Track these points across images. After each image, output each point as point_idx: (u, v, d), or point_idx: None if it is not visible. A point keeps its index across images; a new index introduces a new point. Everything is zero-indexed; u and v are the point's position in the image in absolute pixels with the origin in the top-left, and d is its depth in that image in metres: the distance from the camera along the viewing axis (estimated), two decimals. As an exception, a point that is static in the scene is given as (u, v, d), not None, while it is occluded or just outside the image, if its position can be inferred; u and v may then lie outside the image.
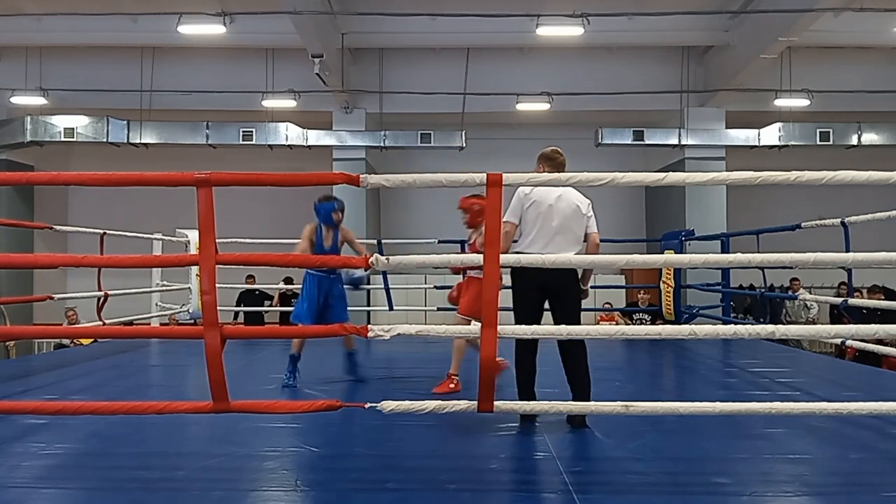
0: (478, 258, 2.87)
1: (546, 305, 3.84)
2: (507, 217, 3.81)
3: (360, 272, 4.89)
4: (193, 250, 7.59)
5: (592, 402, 3.06)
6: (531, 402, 3.39)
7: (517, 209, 3.85)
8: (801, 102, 11.46)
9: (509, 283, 3.85)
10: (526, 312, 3.73)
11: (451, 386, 4.61)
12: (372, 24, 10.63)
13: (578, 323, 3.85)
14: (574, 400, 3.63)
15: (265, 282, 10.85)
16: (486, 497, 2.73)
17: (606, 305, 11.06)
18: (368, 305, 9.88)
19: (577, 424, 3.61)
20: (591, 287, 5.25)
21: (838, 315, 10.22)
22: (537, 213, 3.81)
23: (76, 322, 9.51)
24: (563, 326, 3.44)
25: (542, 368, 4.72)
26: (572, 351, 3.77)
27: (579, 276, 3.94)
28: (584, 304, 5.24)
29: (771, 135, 11.72)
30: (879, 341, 5.73)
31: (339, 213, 4.96)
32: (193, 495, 2.72)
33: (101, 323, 6.63)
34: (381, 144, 11.97)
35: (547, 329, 3.12)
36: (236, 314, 10.58)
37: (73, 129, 11.57)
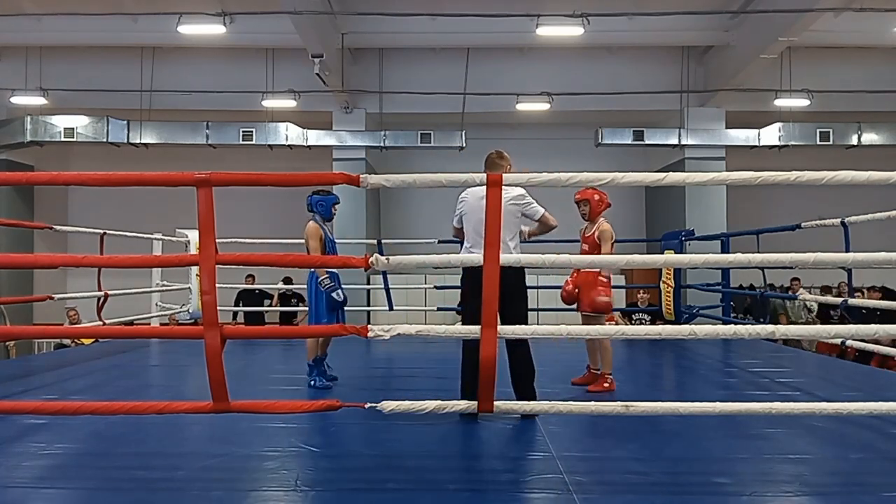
0: (477, 258, 2.87)
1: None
2: (453, 223, 4.16)
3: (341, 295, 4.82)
4: (193, 250, 7.59)
5: (592, 403, 3.06)
6: (531, 402, 3.40)
7: (457, 214, 4.11)
8: (801, 102, 11.45)
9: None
10: (472, 311, 3.72)
11: (606, 385, 4.60)
12: (372, 24, 10.63)
13: (525, 320, 3.96)
14: (516, 393, 3.83)
15: (265, 282, 10.86)
16: (486, 497, 2.73)
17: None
18: (368, 305, 9.88)
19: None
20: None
21: (823, 315, 10.33)
22: (471, 216, 3.96)
23: (77, 322, 9.51)
24: (563, 326, 3.44)
25: (538, 368, 4.72)
26: (517, 348, 3.89)
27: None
28: (584, 304, 5.22)
29: (771, 135, 11.72)
30: (875, 341, 5.73)
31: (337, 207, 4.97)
32: (193, 495, 2.72)
33: (101, 323, 6.63)
34: (381, 144, 11.97)
35: (547, 329, 3.12)
36: (235, 314, 10.59)
37: (73, 129, 11.56)
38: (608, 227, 4.76)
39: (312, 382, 4.77)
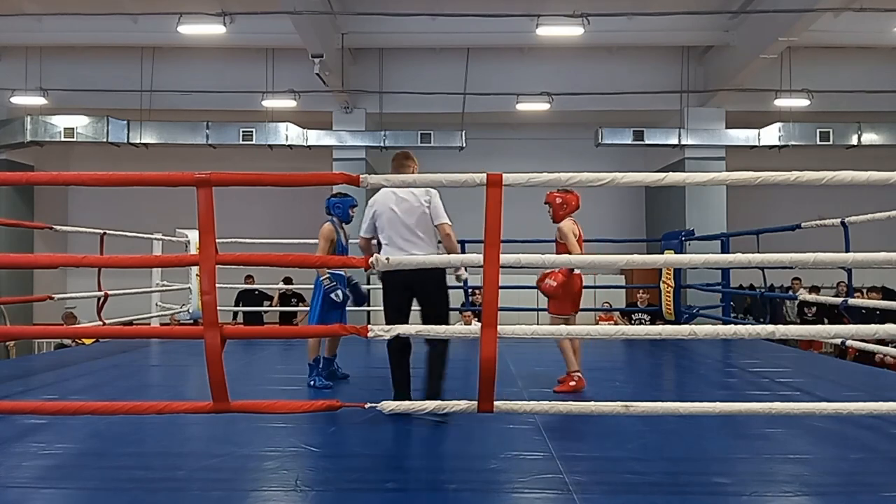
0: (477, 258, 2.87)
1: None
2: (361, 233, 4.13)
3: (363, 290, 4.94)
4: (193, 250, 7.59)
5: (592, 402, 3.06)
6: (531, 403, 3.39)
7: (367, 222, 4.08)
8: (801, 102, 11.46)
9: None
10: (393, 312, 3.89)
11: (572, 384, 4.61)
12: (372, 24, 10.63)
13: (446, 320, 3.98)
14: (425, 392, 3.76)
15: (264, 282, 10.86)
16: (486, 497, 2.73)
17: (606, 305, 11.06)
18: (368, 305, 9.87)
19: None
20: (591, 287, 5.30)
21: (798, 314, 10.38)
22: (383, 221, 3.99)
23: (74, 324, 9.50)
24: (563, 326, 3.45)
25: (538, 368, 4.71)
26: (435, 348, 3.88)
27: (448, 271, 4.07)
28: (584, 304, 5.23)
29: (771, 135, 11.72)
30: (878, 341, 5.73)
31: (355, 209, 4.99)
32: (193, 495, 2.72)
33: (101, 323, 6.62)
34: (381, 144, 11.97)
35: (547, 329, 3.11)
36: (235, 314, 10.59)
37: (73, 129, 11.57)
38: (564, 224, 4.72)
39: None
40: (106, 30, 10.64)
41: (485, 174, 2.75)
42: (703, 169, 11.56)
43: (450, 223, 3.97)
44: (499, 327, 2.78)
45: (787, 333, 3.37)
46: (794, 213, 9.17)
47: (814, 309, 10.77)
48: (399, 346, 3.94)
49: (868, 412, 3.22)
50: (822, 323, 10.54)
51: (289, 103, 11.68)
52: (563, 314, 4.76)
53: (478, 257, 2.86)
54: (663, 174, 2.90)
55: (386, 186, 3.27)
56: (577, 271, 4.76)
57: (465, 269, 4.15)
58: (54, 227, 6.32)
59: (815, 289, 11.67)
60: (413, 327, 3.20)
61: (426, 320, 3.87)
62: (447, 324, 3.92)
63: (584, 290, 4.94)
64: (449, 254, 3.94)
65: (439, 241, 4.04)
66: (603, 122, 11.98)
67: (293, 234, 8.82)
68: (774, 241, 6.70)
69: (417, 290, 3.91)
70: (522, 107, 11.84)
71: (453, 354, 4.09)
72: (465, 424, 3.62)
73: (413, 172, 4.07)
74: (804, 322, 10.71)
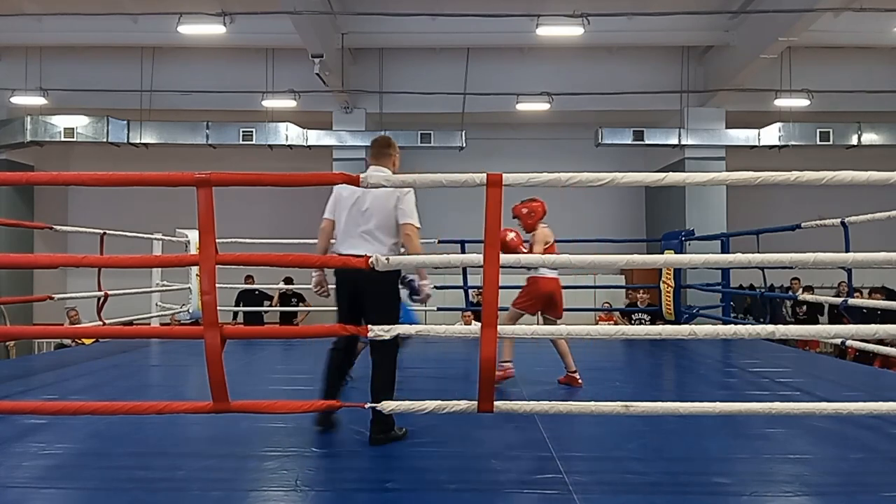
0: (477, 258, 2.88)
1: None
2: (325, 214, 3.68)
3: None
4: (193, 250, 7.59)
5: (592, 402, 3.05)
6: (531, 403, 3.39)
7: (330, 205, 3.66)
8: (801, 102, 11.45)
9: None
10: (341, 313, 3.52)
11: (500, 373, 4.59)
12: (372, 24, 10.63)
13: (392, 324, 3.28)
14: (371, 397, 3.28)
15: (264, 282, 10.85)
16: (486, 497, 2.73)
17: (606, 305, 11.06)
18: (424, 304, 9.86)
19: (374, 441, 3.32)
20: (591, 287, 5.30)
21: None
22: (342, 210, 3.56)
23: (78, 322, 9.51)
24: (562, 326, 3.42)
25: (538, 368, 4.71)
26: (380, 352, 3.41)
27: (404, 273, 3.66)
28: (584, 304, 5.23)
29: (771, 135, 11.72)
30: (879, 341, 5.73)
31: None
32: (193, 495, 2.72)
33: (101, 323, 6.62)
34: (381, 144, 11.95)
35: (547, 329, 3.12)
36: (235, 314, 10.58)
37: (73, 129, 11.57)
38: (540, 231, 4.91)
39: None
40: (106, 30, 10.64)
41: (485, 174, 2.75)
42: (703, 169, 11.56)
43: (417, 225, 3.51)
44: (499, 327, 2.78)
45: (787, 333, 3.37)
46: (794, 213, 9.16)
47: (804, 308, 10.81)
48: (344, 346, 3.60)
49: (868, 412, 3.22)
50: (814, 322, 10.62)
51: (289, 103, 11.68)
52: (520, 310, 4.87)
53: (478, 257, 2.86)
54: (663, 174, 2.90)
55: (386, 186, 3.23)
56: (550, 275, 4.89)
57: (424, 284, 3.67)
58: (54, 227, 6.31)
59: (808, 288, 11.68)
60: (413, 327, 3.20)
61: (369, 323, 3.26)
62: (391, 343, 3.26)
63: (584, 290, 5.01)
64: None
65: (402, 245, 3.56)
66: (603, 122, 11.97)
67: (293, 234, 8.80)
68: (774, 241, 6.70)
69: (365, 295, 3.43)
70: (522, 107, 11.83)
71: (454, 355, 4.10)
72: (465, 424, 3.62)
73: (395, 161, 3.71)
74: (797, 321, 10.76)
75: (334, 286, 3.65)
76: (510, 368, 4.86)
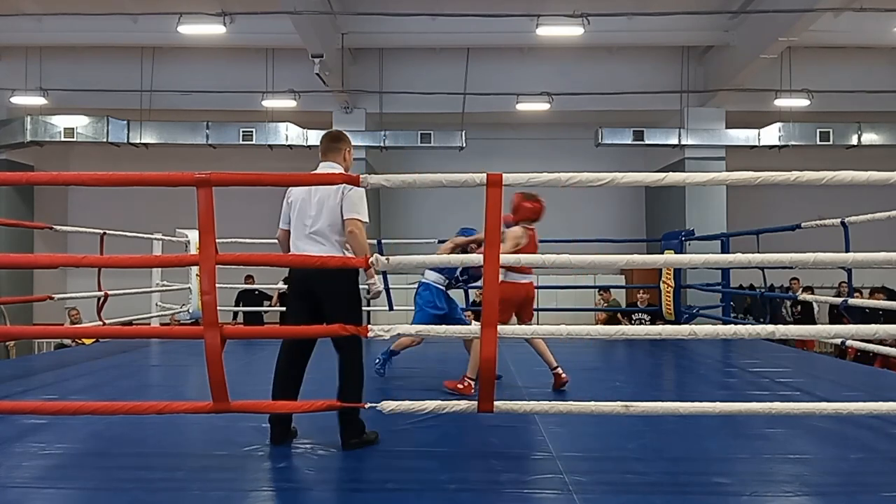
0: (477, 258, 2.88)
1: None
2: (280, 224, 3.55)
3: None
4: (193, 250, 7.59)
5: (592, 402, 3.05)
6: (531, 403, 3.39)
7: (283, 213, 3.52)
8: (801, 102, 11.46)
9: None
10: (293, 316, 3.39)
11: (460, 387, 4.56)
12: (372, 24, 10.63)
13: (355, 324, 3.12)
14: (339, 397, 3.21)
15: (264, 282, 10.85)
16: (486, 497, 2.73)
17: (604, 304, 11.06)
18: (368, 305, 9.87)
19: (349, 446, 3.23)
20: (591, 287, 5.31)
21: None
22: (293, 214, 3.44)
23: (79, 321, 9.51)
24: (562, 326, 3.39)
25: (538, 367, 4.71)
26: (344, 352, 3.33)
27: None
28: (584, 304, 5.22)
29: (771, 135, 11.73)
30: (879, 341, 5.73)
31: None
32: (193, 495, 2.72)
33: (101, 323, 6.62)
34: (381, 144, 11.97)
35: (547, 329, 3.12)
36: (235, 314, 10.59)
37: (73, 129, 11.57)
38: (512, 229, 4.64)
39: (380, 368, 5.11)
40: (106, 30, 10.64)
41: (485, 174, 2.75)
42: (703, 169, 11.56)
43: (363, 220, 3.32)
44: (499, 327, 2.78)
45: (787, 333, 3.37)
46: (794, 213, 9.17)
47: (798, 308, 10.82)
48: (298, 344, 3.41)
49: (868, 412, 3.22)
50: (809, 322, 10.64)
51: (289, 103, 11.68)
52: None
53: (478, 257, 2.86)
54: (663, 174, 2.90)
55: (386, 186, 3.21)
56: (523, 280, 4.68)
57: (378, 282, 3.47)
58: (54, 227, 6.31)
59: (808, 289, 11.69)
60: (413, 327, 3.20)
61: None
62: (355, 343, 3.26)
63: (584, 290, 4.98)
64: (356, 254, 3.31)
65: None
66: (603, 122, 11.98)
67: (293, 234, 8.80)
68: (774, 241, 6.70)
69: (323, 299, 3.30)
70: (522, 107, 11.84)
71: (454, 355, 4.10)
72: (465, 424, 3.62)
73: (346, 155, 3.50)
74: (795, 321, 10.78)
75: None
76: (468, 384, 4.60)
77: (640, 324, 10.09)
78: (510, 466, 3.07)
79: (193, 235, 7.78)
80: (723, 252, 8.29)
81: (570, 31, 9.96)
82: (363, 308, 9.61)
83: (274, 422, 3.34)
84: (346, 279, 3.32)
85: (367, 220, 3.35)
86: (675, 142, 11.86)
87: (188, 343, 6.23)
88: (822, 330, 5.52)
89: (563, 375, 4.71)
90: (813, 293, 10.42)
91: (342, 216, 3.31)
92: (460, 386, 4.56)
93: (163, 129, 11.82)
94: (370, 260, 2.87)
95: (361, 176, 2.87)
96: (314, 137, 12.00)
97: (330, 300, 3.31)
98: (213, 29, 10.00)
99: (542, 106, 11.80)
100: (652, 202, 13.99)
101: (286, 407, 3.12)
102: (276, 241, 3.67)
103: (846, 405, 3.07)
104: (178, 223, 8.37)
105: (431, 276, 5.13)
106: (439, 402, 2.87)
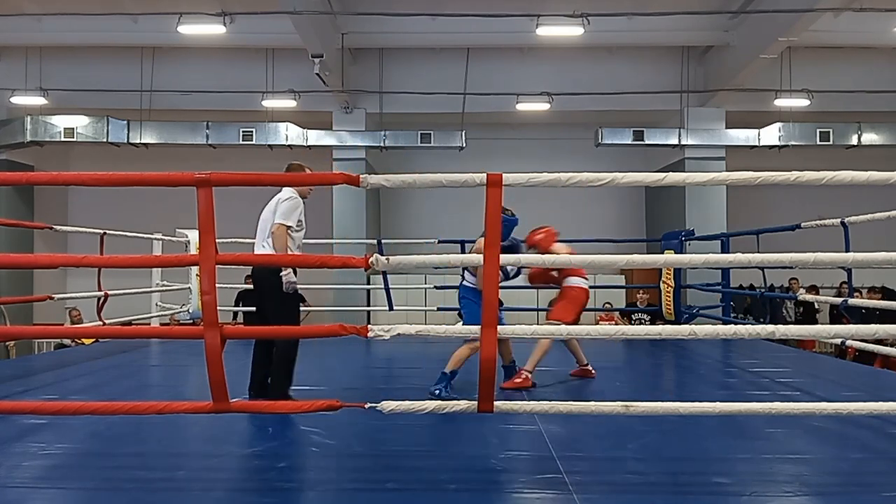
0: (477, 258, 2.88)
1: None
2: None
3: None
4: (193, 250, 7.59)
5: (592, 403, 3.06)
6: (531, 403, 3.39)
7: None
8: (801, 102, 11.45)
9: None
10: (252, 314, 4.06)
11: (518, 381, 4.70)
12: (372, 24, 10.63)
13: (283, 324, 3.82)
14: (271, 392, 3.88)
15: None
16: (486, 497, 2.73)
17: (606, 305, 11.06)
18: (368, 305, 9.88)
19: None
20: (592, 287, 5.31)
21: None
22: (260, 222, 4.12)
23: (80, 321, 9.51)
24: (563, 327, 3.43)
25: (538, 367, 4.70)
26: (279, 345, 3.96)
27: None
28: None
29: (771, 135, 11.72)
30: (879, 341, 5.74)
31: None
32: (193, 495, 2.72)
33: (101, 323, 6.63)
34: (381, 144, 11.96)
35: (547, 329, 3.12)
36: (235, 314, 10.58)
37: (73, 129, 11.56)
38: (558, 246, 4.99)
39: (437, 391, 4.41)
40: (106, 30, 10.63)
41: (485, 174, 2.75)
42: (703, 169, 11.56)
43: (287, 224, 3.88)
44: (499, 327, 2.78)
45: (787, 333, 3.37)
46: (794, 213, 9.16)
47: (801, 308, 10.81)
48: (261, 348, 4.07)
49: (868, 412, 3.22)
50: (811, 322, 10.64)
51: (289, 103, 11.68)
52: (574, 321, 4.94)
53: (478, 257, 2.86)
54: (663, 174, 2.90)
55: (386, 186, 3.22)
56: (586, 285, 5.12)
57: (293, 274, 3.92)
58: (54, 227, 6.32)
59: (812, 288, 11.69)
60: (413, 327, 3.19)
61: (266, 323, 3.93)
62: (287, 337, 3.86)
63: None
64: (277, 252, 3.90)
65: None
66: (603, 122, 11.97)
67: (293, 234, 8.80)
68: (774, 241, 6.69)
69: (261, 294, 3.95)
70: (522, 107, 11.83)
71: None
72: (465, 424, 3.62)
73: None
74: (795, 321, 10.78)
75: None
76: (528, 377, 4.72)
77: (640, 324, 10.09)
78: (510, 466, 3.07)
79: (193, 235, 7.78)
80: (723, 252, 8.29)
81: (570, 31, 9.95)
82: (364, 308, 9.70)
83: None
84: (273, 282, 3.84)
85: (291, 224, 3.91)
86: (675, 142, 11.85)
87: (188, 343, 6.23)
88: (822, 330, 5.53)
89: (592, 371, 5.08)
90: (818, 293, 10.43)
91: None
92: (518, 380, 4.70)
93: (163, 129, 11.82)
94: (370, 260, 2.87)
95: (361, 176, 2.87)
96: (314, 137, 12.00)
97: (262, 299, 3.95)
98: (213, 29, 9.99)
99: (542, 106, 11.79)
100: (652, 202, 13.99)
101: (286, 407, 3.12)
102: None
103: (846, 405, 3.07)
104: (178, 223, 8.37)
105: (472, 280, 4.81)
106: (439, 402, 2.87)
